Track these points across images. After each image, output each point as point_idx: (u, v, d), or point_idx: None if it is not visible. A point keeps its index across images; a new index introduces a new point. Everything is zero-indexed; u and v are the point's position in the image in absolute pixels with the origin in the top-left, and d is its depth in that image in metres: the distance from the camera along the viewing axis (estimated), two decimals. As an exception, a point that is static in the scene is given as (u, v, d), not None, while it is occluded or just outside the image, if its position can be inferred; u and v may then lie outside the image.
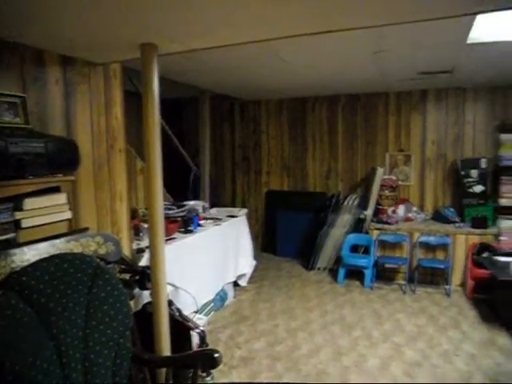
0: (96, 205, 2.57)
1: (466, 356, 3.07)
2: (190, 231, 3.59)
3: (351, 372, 2.88)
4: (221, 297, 3.97)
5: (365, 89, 4.99)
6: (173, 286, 2.90)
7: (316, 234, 5.16)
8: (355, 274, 4.71)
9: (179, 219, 3.61)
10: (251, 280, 4.69)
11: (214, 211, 4.75)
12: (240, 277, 4.52)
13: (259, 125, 5.89)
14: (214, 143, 5.96)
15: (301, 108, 5.60)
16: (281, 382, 2.76)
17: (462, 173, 4.60)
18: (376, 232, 4.70)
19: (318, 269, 5.10)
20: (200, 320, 3.38)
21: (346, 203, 5.00)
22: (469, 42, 2.74)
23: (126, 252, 2.77)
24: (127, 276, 2.31)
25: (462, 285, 4.40)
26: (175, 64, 3.43)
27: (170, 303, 2.30)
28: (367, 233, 4.78)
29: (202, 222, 3.92)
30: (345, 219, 4.96)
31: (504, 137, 4.47)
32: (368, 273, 4.55)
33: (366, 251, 4.72)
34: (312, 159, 5.65)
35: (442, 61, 3.55)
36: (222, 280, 3.96)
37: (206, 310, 3.72)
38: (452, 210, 4.81)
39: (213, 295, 3.78)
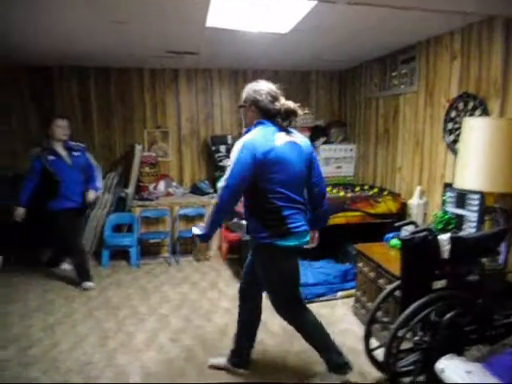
0: None
1: (223, 311, 3.46)
2: None
3: (118, 353, 2.82)
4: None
5: (116, 63, 4.78)
6: None
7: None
8: (121, 254, 4.61)
9: None
10: (-5, 280, 3.98)
11: None
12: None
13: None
14: None
15: (45, 78, 4.92)
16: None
17: (213, 148, 5.06)
18: (138, 209, 4.69)
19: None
20: None
21: (105, 182, 4.77)
22: (207, 25, 2.95)
23: None
24: None
25: (220, 248, 4.92)
26: None
27: None
28: (130, 211, 4.72)
29: None
30: (105, 199, 4.74)
31: (244, 116, 5.13)
32: (133, 251, 4.53)
33: (130, 230, 4.67)
34: (64, 136, 5.11)
35: (187, 41, 3.71)
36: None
37: None
38: (207, 182, 5.26)
39: None
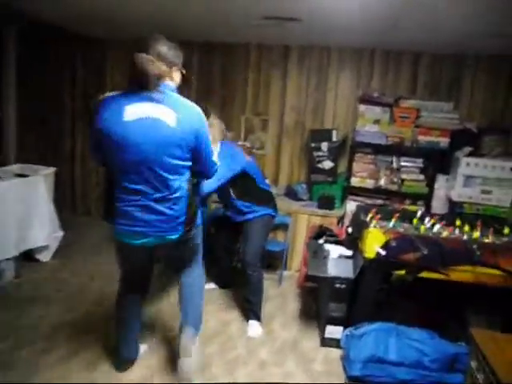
0: None
1: (256, 364, 2.53)
2: None
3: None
4: (-14, 278, 3.07)
5: (219, 37, 4.17)
6: None
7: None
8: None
9: None
10: (59, 254, 3.81)
11: (15, 167, 3.75)
12: (39, 250, 3.64)
13: (104, 71, 4.83)
14: (48, 89, 4.88)
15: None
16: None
17: (312, 145, 4.03)
18: (214, 205, 4.03)
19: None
20: None
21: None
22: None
23: None
24: None
25: (300, 271, 3.94)
26: None
27: None
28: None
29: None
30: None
31: (362, 108, 3.95)
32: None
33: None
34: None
35: (288, 2, 2.82)
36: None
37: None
38: (304, 186, 4.29)
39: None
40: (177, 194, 1.93)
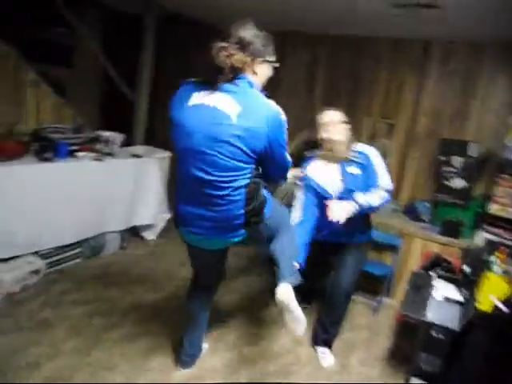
0: None
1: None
2: (47, 159, 2.92)
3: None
4: (92, 245, 3.35)
5: (349, 28, 3.80)
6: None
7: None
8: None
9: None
10: (164, 234, 3.99)
11: (136, 148, 4.03)
12: (145, 228, 3.88)
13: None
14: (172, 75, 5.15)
15: (277, 46, 4.51)
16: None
17: (441, 157, 3.38)
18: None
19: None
20: (27, 264, 2.83)
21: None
22: None
23: None
24: None
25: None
26: None
27: None
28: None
29: (82, 153, 3.23)
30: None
31: (516, 119, 3.14)
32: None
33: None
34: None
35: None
36: (95, 226, 3.30)
37: (63, 255, 3.15)
38: (428, 205, 3.66)
39: (73, 240, 3.16)
40: (232, 195, 1.68)
